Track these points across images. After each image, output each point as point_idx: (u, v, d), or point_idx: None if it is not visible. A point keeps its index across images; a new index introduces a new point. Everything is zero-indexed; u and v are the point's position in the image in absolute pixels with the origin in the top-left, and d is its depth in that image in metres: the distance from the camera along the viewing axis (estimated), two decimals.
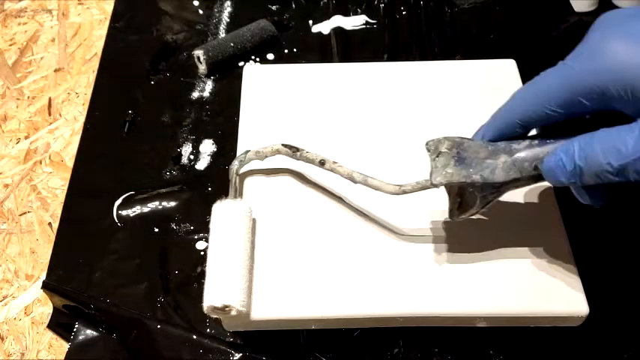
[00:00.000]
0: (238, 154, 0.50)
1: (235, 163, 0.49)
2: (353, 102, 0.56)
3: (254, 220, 0.48)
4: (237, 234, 0.45)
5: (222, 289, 0.42)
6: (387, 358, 0.47)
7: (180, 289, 0.50)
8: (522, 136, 0.41)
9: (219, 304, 0.42)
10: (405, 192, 0.44)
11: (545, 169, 0.38)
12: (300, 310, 0.44)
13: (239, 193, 0.50)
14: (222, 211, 0.47)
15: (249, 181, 0.51)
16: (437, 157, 0.42)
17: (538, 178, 0.40)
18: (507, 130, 0.41)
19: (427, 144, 0.43)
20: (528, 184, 0.41)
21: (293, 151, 0.48)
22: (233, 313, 0.42)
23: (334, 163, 0.47)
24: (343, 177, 0.47)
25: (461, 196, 0.44)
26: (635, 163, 0.34)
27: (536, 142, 0.40)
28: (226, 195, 0.48)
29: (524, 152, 0.40)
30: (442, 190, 0.45)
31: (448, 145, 0.42)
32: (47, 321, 0.56)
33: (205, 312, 0.43)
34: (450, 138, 0.42)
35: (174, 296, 0.50)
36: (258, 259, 0.46)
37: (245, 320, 0.44)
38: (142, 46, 0.68)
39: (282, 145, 0.48)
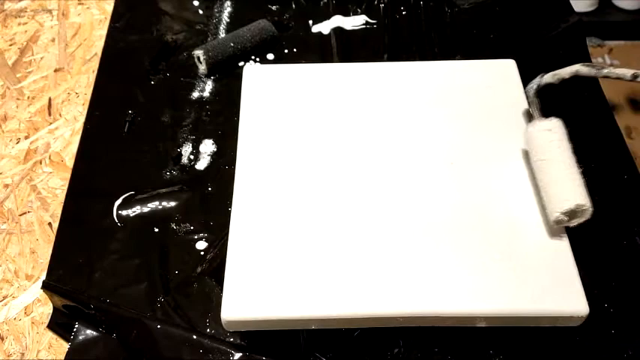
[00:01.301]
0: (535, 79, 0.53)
1: (533, 86, 0.52)
2: (353, 102, 0.56)
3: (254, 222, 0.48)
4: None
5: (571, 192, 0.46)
6: (387, 358, 0.47)
7: (180, 289, 0.50)
8: None
9: (572, 206, 0.45)
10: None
11: None
12: (301, 310, 0.44)
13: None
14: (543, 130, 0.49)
15: (251, 186, 0.51)
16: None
17: None
18: None
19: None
20: None
21: (597, 68, 0.49)
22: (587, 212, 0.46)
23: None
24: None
25: None
26: None
27: None
28: (227, 195, 0.48)
29: None
30: (442, 190, 0.45)
31: None
32: (47, 321, 0.56)
33: (555, 220, 0.46)
34: None
35: (174, 296, 0.50)
36: (259, 259, 0.46)
37: (245, 319, 0.44)
38: (142, 46, 0.68)
39: (582, 65, 0.50)
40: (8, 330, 1.01)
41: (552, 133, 0.49)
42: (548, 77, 0.52)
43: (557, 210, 0.46)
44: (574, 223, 0.46)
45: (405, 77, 0.58)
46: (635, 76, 0.48)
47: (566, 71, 0.51)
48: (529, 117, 0.53)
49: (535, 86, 0.53)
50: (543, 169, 0.48)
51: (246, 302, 0.44)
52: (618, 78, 0.48)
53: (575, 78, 0.50)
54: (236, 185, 0.51)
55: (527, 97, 0.53)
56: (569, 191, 0.46)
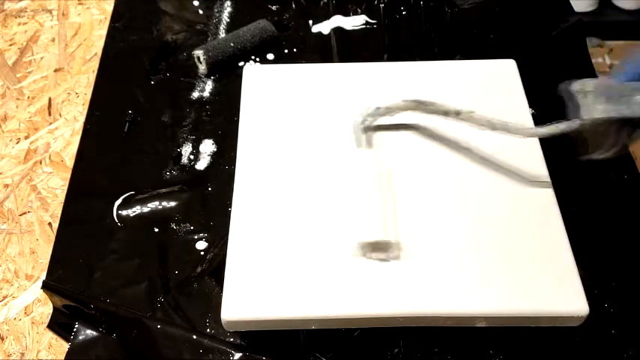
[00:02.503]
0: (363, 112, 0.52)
1: (359, 119, 0.51)
2: (353, 102, 0.56)
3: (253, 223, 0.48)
4: None
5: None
6: (387, 358, 0.47)
7: (180, 289, 0.50)
8: None
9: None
10: (536, 134, 0.47)
11: None
12: (301, 310, 0.44)
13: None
14: None
15: (250, 190, 0.51)
16: (584, 96, 0.44)
17: None
18: None
19: (572, 86, 0.45)
20: None
21: (422, 105, 0.50)
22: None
23: (470, 112, 0.49)
24: (479, 125, 0.48)
25: (595, 134, 0.45)
26: None
27: None
28: (227, 195, 0.48)
29: None
30: (442, 191, 0.45)
31: (594, 85, 0.44)
32: (47, 321, 0.56)
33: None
34: (592, 80, 0.45)
35: (174, 296, 0.50)
36: (259, 259, 0.46)
37: (245, 319, 0.44)
38: (142, 46, 0.68)
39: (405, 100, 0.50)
40: (8, 330, 1.01)
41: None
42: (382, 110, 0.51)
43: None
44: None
45: (405, 77, 0.58)
46: (457, 113, 0.49)
47: (396, 106, 0.51)
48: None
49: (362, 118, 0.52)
50: None
51: (246, 302, 0.44)
52: (445, 113, 0.49)
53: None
54: (236, 185, 0.51)
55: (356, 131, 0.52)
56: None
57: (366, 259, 0.46)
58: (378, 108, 0.51)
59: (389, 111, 0.50)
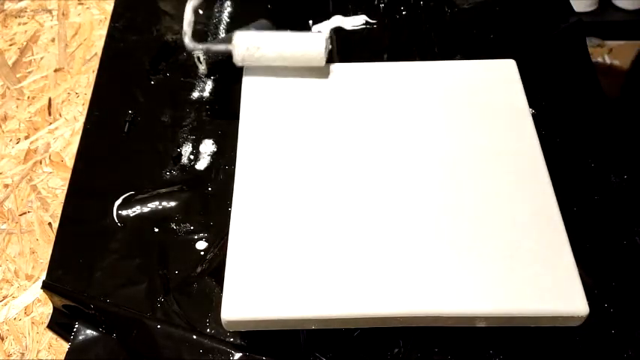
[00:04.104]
0: None
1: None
2: (353, 102, 0.56)
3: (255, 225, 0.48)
4: None
5: None
6: (387, 358, 0.47)
7: (180, 289, 0.50)
8: None
9: None
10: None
11: None
12: (301, 310, 0.44)
13: None
14: None
15: (245, 182, 0.51)
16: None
17: None
18: None
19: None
20: None
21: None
22: None
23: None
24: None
25: None
26: None
27: None
28: (227, 195, 0.48)
29: None
30: (442, 190, 0.45)
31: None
32: (47, 321, 0.56)
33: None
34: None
35: (174, 296, 0.50)
36: (259, 259, 0.46)
37: (245, 320, 0.44)
38: (142, 46, 0.68)
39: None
40: (8, 330, 1.01)
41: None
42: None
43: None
44: None
45: (405, 77, 0.58)
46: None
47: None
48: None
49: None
50: None
51: (246, 302, 0.44)
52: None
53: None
54: (236, 185, 0.51)
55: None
56: None
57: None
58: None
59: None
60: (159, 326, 0.49)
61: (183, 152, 0.59)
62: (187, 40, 0.58)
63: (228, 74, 0.65)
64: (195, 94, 0.64)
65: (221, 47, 0.58)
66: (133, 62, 0.67)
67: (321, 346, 0.48)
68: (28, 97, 1.32)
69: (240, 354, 0.47)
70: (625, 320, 0.49)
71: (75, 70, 1.36)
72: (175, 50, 0.68)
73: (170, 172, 0.58)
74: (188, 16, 0.58)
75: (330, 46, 0.58)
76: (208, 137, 0.60)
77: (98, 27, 1.43)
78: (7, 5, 1.50)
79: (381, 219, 0.48)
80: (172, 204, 0.55)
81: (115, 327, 0.51)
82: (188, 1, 0.58)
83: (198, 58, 0.65)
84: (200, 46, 0.59)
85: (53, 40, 1.42)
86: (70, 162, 1.20)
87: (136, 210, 0.55)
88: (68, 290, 0.51)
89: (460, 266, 0.46)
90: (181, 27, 0.58)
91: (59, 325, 0.55)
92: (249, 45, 0.55)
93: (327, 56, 0.57)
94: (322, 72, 0.58)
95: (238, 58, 0.56)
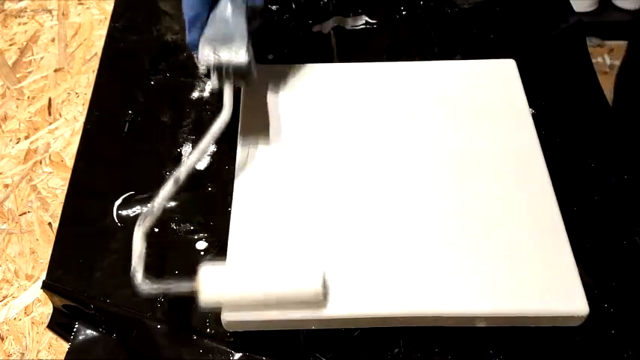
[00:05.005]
0: None
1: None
2: (353, 102, 0.56)
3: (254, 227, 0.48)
4: None
5: None
6: (387, 358, 0.47)
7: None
8: None
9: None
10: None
11: None
12: (300, 310, 0.44)
13: None
14: None
15: (245, 186, 0.51)
16: None
17: None
18: None
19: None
20: None
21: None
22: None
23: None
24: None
25: None
26: None
27: None
28: (227, 195, 0.48)
29: None
30: (442, 191, 0.45)
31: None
32: (47, 321, 0.56)
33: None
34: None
35: (175, 296, 0.50)
36: (258, 259, 0.46)
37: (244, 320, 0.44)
38: (142, 46, 0.68)
39: None
40: (8, 330, 1.01)
41: None
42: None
43: None
44: None
45: (405, 77, 0.58)
46: (176, 180, 0.48)
47: None
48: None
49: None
50: None
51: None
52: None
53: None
54: (236, 185, 0.51)
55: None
56: None
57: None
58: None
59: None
60: (159, 326, 0.49)
61: (183, 152, 0.59)
62: (139, 280, 0.43)
63: None
64: (195, 94, 0.64)
65: (184, 288, 0.44)
66: (133, 62, 0.67)
67: (321, 346, 0.48)
68: (28, 97, 1.32)
69: (240, 354, 0.47)
70: (625, 320, 0.49)
71: (75, 70, 1.36)
72: (175, 50, 0.68)
73: (170, 172, 0.58)
74: (138, 248, 0.45)
75: None
76: None
77: (98, 27, 1.43)
78: (7, 5, 1.50)
79: (380, 219, 0.48)
80: (172, 204, 0.55)
81: (115, 327, 0.51)
82: (136, 229, 0.46)
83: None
84: (156, 286, 0.44)
85: (53, 40, 1.42)
86: (70, 162, 1.20)
87: (136, 210, 0.55)
88: (68, 290, 0.51)
89: (460, 266, 0.46)
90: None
91: (59, 325, 0.55)
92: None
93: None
94: (322, 72, 0.58)
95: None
